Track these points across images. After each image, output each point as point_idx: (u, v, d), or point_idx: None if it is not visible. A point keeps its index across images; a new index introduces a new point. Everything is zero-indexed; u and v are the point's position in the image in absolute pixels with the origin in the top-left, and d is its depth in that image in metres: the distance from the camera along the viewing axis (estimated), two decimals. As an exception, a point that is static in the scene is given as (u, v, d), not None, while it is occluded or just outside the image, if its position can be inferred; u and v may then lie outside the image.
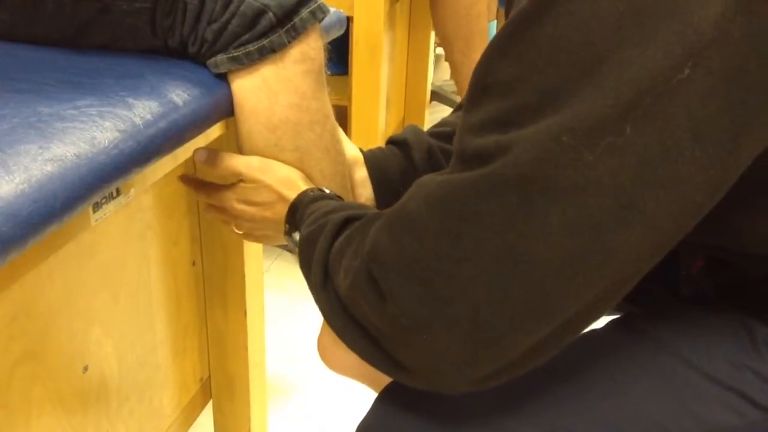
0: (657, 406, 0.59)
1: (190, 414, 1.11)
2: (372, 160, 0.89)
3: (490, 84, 0.50)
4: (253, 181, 0.79)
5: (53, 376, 0.76)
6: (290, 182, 0.78)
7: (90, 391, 0.84)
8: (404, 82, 2.18)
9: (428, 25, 2.09)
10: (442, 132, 0.90)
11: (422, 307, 0.51)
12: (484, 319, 0.49)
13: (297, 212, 0.74)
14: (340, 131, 0.87)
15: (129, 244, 0.88)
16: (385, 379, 0.89)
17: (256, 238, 0.84)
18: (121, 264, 0.87)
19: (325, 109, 0.80)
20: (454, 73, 2.05)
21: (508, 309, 0.49)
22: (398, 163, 0.89)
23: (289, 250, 0.77)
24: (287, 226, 0.76)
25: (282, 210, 0.77)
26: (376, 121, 1.70)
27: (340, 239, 0.63)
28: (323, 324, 0.90)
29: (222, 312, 1.09)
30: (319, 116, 0.80)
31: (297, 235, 0.74)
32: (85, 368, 0.82)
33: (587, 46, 0.45)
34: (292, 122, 0.78)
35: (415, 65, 2.17)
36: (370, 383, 0.90)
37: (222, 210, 0.84)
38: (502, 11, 2.26)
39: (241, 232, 0.84)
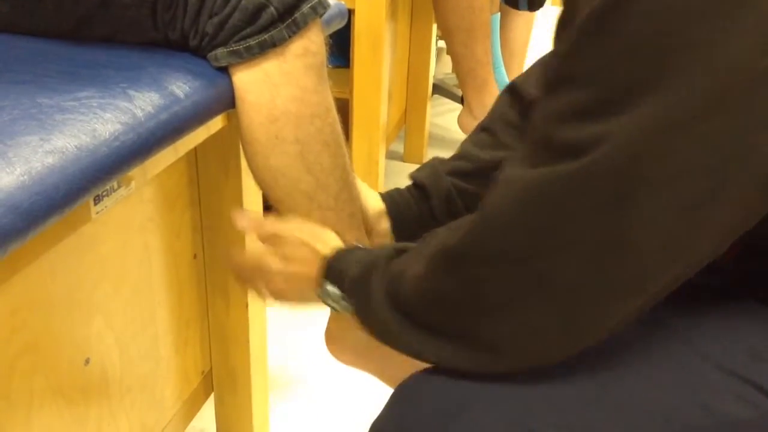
0: (669, 397, 0.59)
1: (192, 406, 1.11)
2: (392, 207, 0.91)
3: (575, 73, 0.50)
4: (289, 236, 0.80)
5: (55, 369, 0.77)
6: (323, 240, 0.79)
7: (91, 384, 0.84)
8: (406, 74, 2.18)
9: (430, 17, 2.09)
10: (462, 169, 0.90)
11: (518, 289, 0.54)
12: (579, 299, 0.52)
13: (333, 264, 0.74)
14: (361, 183, 0.89)
15: (130, 236, 0.88)
16: (391, 369, 0.89)
17: (286, 297, 0.83)
18: (123, 256, 0.87)
19: (326, 102, 0.80)
20: (456, 66, 2.04)
21: (603, 289, 0.52)
22: (418, 208, 0.90)
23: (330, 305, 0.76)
24: (322, 278, 0.75)
25: (314, 264, 0.76)
26: (378, 114, 1.69)
27: (397, 264, 0.64)
28: (330, 316, 0.90)
29: (224, 304, 1.09)
30: (320, 109, 0.80)
31: (330, 287, 0.74)
32: (87, 360, 0.82)
33: (672, 36, 0.46)
34: (293, 114, 0.78)
35: (417, 58, 2.16)
36: (376, 373, 0.90)
37: (257, 270, 0.83)
38: (505, 6, 2.26)
39: (271, 295, 0.83)
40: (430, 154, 2.36)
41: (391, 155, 2.30)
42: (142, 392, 0.96)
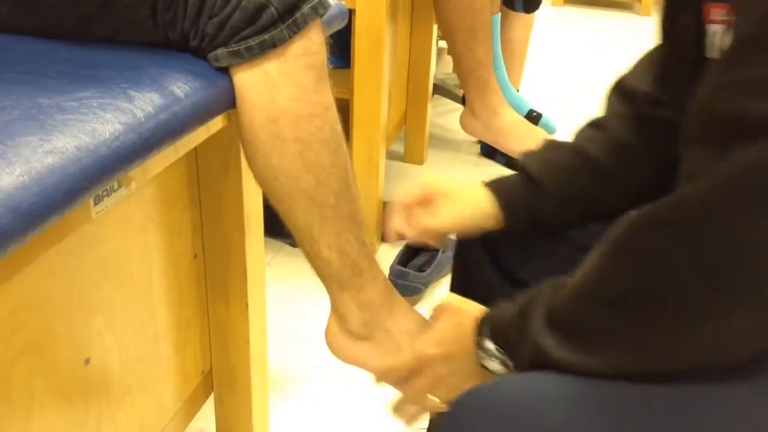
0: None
1: (192, 406, 1.11)
2: (505, 203, 0.85)
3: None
4: (443, 306, 0.78)
5: (55, 369, 0.77)
6: (465, 301, 0.77)
7: (91, 384, 0.84)
8: (406, 75, 2.17)
9: (431, 17, 2.09)
10: (575, 168, 0.83)
11: (712, 294, 0.51)
12: None
13: (491, 318, 0.72)
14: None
15: (130, 236, 0.88)
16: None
17: (459, 382, 0.78)
18: (123, 256, 0.87)
19: (325, 101, 0.80)
20: (457, 67, 2.04)
21: None
22: (530, 203, 0.85)
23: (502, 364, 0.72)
24: (479, 336, 0.72)
25: (470, 333, 0.73)
26: (378, 115, 1.69)
27: (560, 291, 0.62)
28: (330, 314, 0.90)
29: (224, 304, 1.09)
30: (320, 109, 0.80)
31: (489, 344, 0.71)
32: (87, 360, 0.82)
33: None
34: (293, 114, 0.78)
35: (418, 58, 2.16)
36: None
37: (417, 366, 0.80)
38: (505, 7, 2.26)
39: (439, 400, 0.79)
40: (431, 154, 2.36)
41: (391, 155, 2.30)
42: (142, 392, 0.96)
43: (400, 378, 0.83)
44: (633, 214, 0.56)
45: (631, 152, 0.83)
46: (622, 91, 0.87)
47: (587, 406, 0.56)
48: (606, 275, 0.57)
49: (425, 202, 0.87)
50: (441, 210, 0.86)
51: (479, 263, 0.91)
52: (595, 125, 0.87)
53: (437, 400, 0.79)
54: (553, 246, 0.86)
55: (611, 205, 0.82)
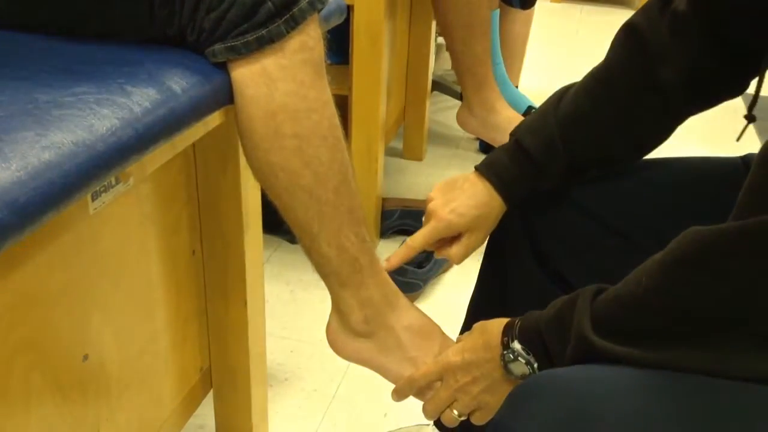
0: None
1: (191, 403, 1.11)
2: (502, 189, 0.90)
3: None
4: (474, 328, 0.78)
5: (53, 365, 0.76)
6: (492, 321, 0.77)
7: (90, 380, 0.84)
8: (405, 71, 2.17)
9: (429, 14, 2.08)
10: (574, 137, 0.86)
11: None
12: None
13: (522, 323, 0.72)
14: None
15: (128, 232, 0.88)
16: (392, 365, 0.88)
17: (480, 404, 0.79)
18: (121, 253, 0.87)
19: (323, 97, 0.80)
20: (455, 64, 2.04)
21: None
22: (529, 184, 0.89)
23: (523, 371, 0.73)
24: (506, 337, 0.73)
25: (495, 336, 0.74)
26: (377, 111, 1.69)
27: (605, 294, 0.62)
28: (332, 311, 0.90)
29: (222, 301, 1.09)
30: (318, 104, 0.79)
31: (516, 344, 0.71)
32: (85, 357, 0.82)
33: None
34: (291, 109, 0.78)
35: (416, 54, 2.16)
36: (377, 369, 0.90)
37: (443, 372, 0.80)
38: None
39: (457, 413, 0.80)
40: (430, 150, 2.36)
41: (390, 152, 2.30)
42: (141, 388, 0.96)
43: (422, 388, 0.83)
44: (698, 230, 0.56)
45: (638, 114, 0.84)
46: (632, 33, 0.85)
47: (657, 392, 0.55)
48: (673, 290, 0.57)
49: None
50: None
51: (516, 243, 0.92)
52: (597, 79, 0.88)
53: (456, 413, 0.79)
54: (589, 229, 0.87)
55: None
